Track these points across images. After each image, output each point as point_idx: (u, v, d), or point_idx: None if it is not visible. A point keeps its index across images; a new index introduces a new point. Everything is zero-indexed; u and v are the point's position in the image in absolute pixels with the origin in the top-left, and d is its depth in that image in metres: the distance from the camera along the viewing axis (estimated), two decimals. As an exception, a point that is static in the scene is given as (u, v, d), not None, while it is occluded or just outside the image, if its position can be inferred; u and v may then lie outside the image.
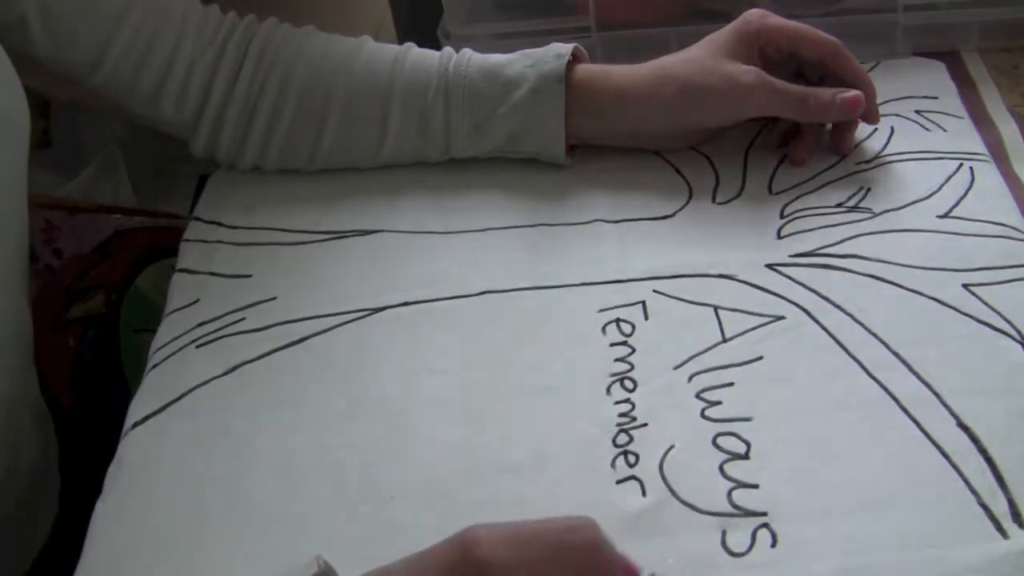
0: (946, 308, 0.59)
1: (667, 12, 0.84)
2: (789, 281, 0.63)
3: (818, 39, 0.69)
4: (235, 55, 0.72)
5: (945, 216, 0.65)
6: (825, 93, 0.68)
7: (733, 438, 0.54)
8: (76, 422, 0.80)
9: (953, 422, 0.53)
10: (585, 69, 0.70)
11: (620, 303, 0.63)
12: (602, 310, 0.63)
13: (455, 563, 0.40)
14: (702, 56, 0.69)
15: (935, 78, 0.79)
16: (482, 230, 0.70)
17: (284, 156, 0.74)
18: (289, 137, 0.73)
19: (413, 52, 0.73)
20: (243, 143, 0.74)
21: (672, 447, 0.54)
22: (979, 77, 0.79)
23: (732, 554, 0.49)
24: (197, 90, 0.72)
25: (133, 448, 0.58)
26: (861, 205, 0.67)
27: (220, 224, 0.74)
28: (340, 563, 0.46)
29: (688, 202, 0.70)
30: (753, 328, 0.60)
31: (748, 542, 0.49)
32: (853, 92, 0.68)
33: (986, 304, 0.59)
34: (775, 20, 0.69)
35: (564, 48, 0.70)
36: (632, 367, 0.59)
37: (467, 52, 0.72)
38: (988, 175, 0.68)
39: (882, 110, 0.75)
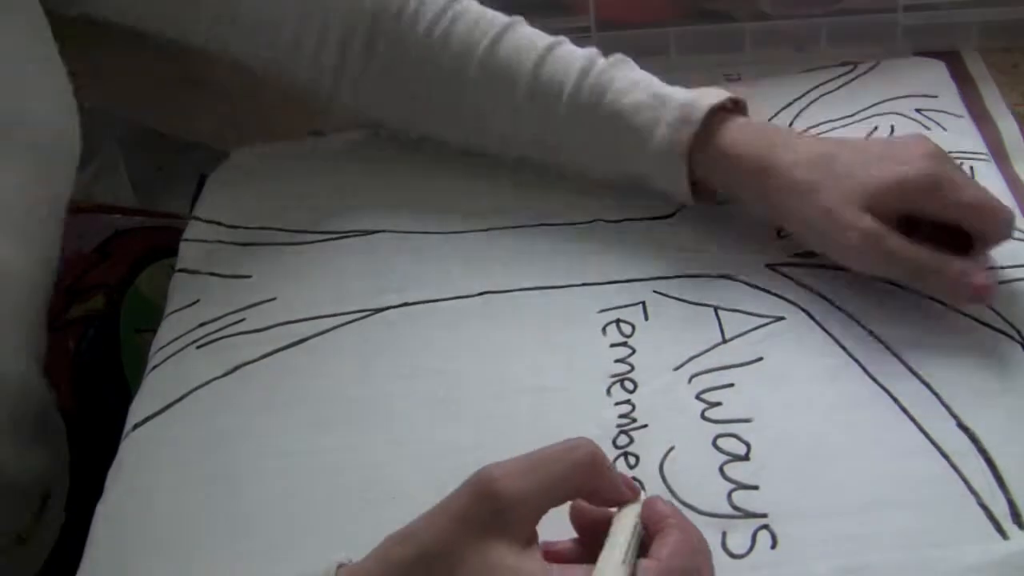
0: (946, 308, 0.59)
1: (667, 12, 0.84)
2: (789, 281, 0.63)
3: (989, 217, 0.57)
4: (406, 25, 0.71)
5: (945, 216, 0.65)
6: (951, 268, 0.57)
7: (733, 439, 0.54)
8: (76, 422, 0.80)
9: (953, 422, 0.53)
10: (735, 135, 0.63)
11: (620, 303, 0.63)
12: (602, 311, 0.63)
13: (475, 503, 0.42)
14: (834, 194, 0.59)
15: (935, 77, 0.79)
16: (482, 230, 0.70)
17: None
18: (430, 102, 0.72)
19: (561, 49, 0.69)
20: (380, 105, 0.74)
21: (672, 448, 0.54)
22: (979, 76, 0.79)
23: (732, 555, 0.49)
24: (332, 53, 0.71)
25: (134, 449, 0.58)
26: (861, 205, 0.67)
27: (220, 224, 0.74)
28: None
29: (688, 202, 0.70)
30: (753, 328, 0.60)
31: (748, 543, 0.49)
32: (984, 277, 0.56)
33: (986, 304, 0.59)
34: (945, 197, 0.57)
35: (702, 110, 0.63)
36: (632, 368, 0.59)
37: (607, 73, 0.66)
38: (988, 174, 0.68)
39: (882, 109, 0.75)
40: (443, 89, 0.71)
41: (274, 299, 0.67)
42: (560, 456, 0.43)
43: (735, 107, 0.65)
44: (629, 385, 0.58)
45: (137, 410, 0.61)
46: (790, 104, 0.78)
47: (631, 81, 0.66)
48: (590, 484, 0.43)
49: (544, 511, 0.43)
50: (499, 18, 0.70)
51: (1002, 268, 0.61)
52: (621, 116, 0.65)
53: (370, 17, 0.71)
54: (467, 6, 0.71)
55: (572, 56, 0.68)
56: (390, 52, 0.71)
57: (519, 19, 0.71)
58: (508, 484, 0.41)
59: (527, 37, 0.70)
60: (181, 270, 0.70)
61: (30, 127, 0.61)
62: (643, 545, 0.43)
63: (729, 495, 0.51)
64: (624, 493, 0.44)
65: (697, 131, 0.63)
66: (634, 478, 0.52)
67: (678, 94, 0.65)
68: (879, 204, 0.57)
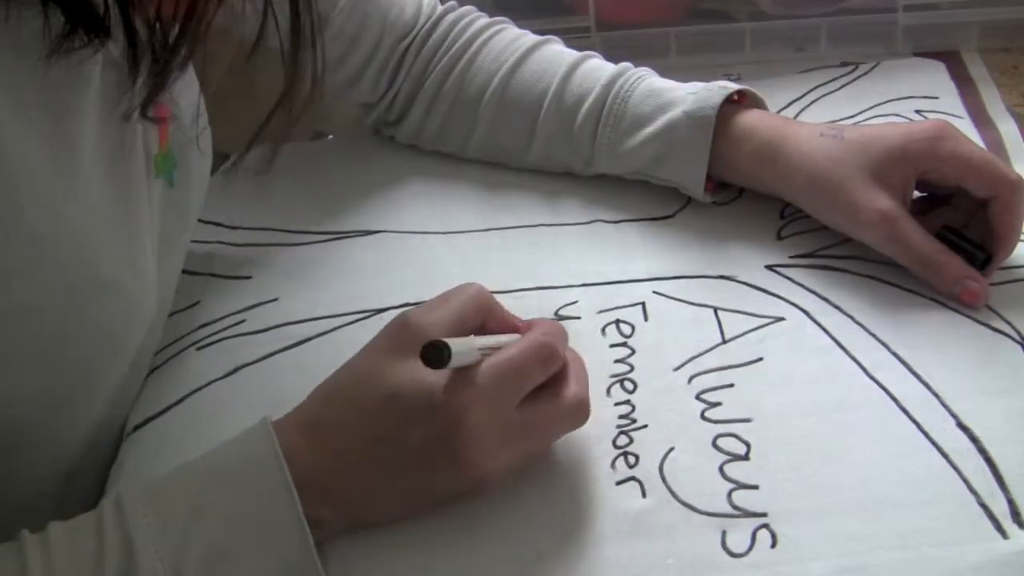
0: (946, 308, 0.59)
1: (667, 12, 0.84)
2: (789, 282, 0.63)
3: (992, 176, 0.59)
4: (430, 51, 0.76)
5: (945, 216, 0.65)
6: (950, 269, 0.59)
7: (733, 439, 0.54)
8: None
9: (953, 422, 0.53)
10: (755, 115, 0.67)
11: (620, 304, 0.63)
12: (602, 311, 0.63)
13: (392, 332, 0.51)
14: (846, 165, 0.61)
15: (935, 78, 0.79)
16: (482, 230, 0.70)
17: (441, 140, 0.77)
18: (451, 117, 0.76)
19: (590, 62, 0.72)
20: (419, 129, 0.77)
21: (672, 448, 0.54)
22: (979, 77, 0.79)
23: (732, 555, 0.49)
24: (390, 76, 0.76)
25: (134, 451, 0.58)
26: (861, 205, 0.67)
27: (220, 224, 0.74)
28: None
29: (688, 202, 0.70)
30: (753, 329, 0.60)
31: (748, 543, 0.49)
32: (977, 287, 0.59)
33: (986, 304, 0.59)
34: (946, 148, 0.60)
35: (731, 85, 0.67)
36: (632, 368, 0.59)
37: (642, 72, 0.71)
38: (988, 175, 0.68)
39: (882, 110, 0.75)
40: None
41: (274, 300, 0.67)
42: (454, 293, 0.53)
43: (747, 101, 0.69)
44: (629, 385, 0.58)
45: (137, 412, 0.61)
46: (790, 104, 0.78)
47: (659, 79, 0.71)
48: (482, 315, 0.53)
49: (448, 335, 0.49)
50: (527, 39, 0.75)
51: (1001, 268, 0.61)
52: (655, 91, 0.69)
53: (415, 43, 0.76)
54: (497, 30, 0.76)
55: (600, 65, 0.72)
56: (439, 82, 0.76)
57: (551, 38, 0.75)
58: (417, 315, 0.51)
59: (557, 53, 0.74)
60: (182, 271, 0.70)
61: (194, 165, 0.63)
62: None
63: (729, 495, 0.51)
64: (512, 328, 0.53)
65: (720, 104, 0.66)
66: (634, 478, 0.52)
67: (691, 87, 0.69)
68: (890, 170, 0.60)
